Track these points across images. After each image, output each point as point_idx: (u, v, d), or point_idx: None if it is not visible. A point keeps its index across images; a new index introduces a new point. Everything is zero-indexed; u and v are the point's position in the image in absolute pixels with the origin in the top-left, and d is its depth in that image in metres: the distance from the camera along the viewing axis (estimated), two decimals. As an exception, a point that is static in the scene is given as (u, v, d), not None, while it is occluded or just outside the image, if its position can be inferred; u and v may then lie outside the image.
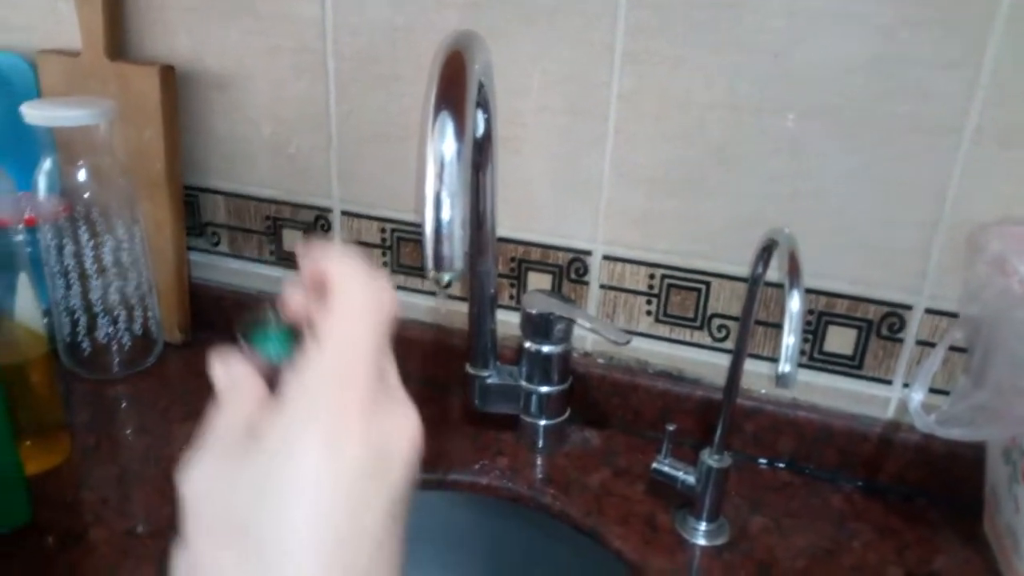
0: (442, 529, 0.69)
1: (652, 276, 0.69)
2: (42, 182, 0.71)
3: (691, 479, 0.61)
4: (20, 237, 0.70)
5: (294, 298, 0.32)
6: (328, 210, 0.77)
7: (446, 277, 0.43)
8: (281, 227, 0.80)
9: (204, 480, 0.27)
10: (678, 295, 0.69)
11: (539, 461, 0.68)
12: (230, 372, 0.30)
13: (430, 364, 0.77)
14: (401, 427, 0.28)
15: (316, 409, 0.26)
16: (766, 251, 0.50)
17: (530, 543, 0.66)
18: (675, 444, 0.62)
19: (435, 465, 0.66)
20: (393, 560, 0.27)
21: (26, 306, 0.67)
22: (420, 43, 0.69)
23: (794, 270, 0.43)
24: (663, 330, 0.70)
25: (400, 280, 0.78)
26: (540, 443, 0.69)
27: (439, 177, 0.42)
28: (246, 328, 0.31)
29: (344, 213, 0.77)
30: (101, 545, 0.56)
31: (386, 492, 0.27)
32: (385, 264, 0.77)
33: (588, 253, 0.70)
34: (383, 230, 0.76)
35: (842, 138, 0.60)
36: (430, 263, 0.43)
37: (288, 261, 0.81)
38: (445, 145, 0.42)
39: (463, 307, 0.75)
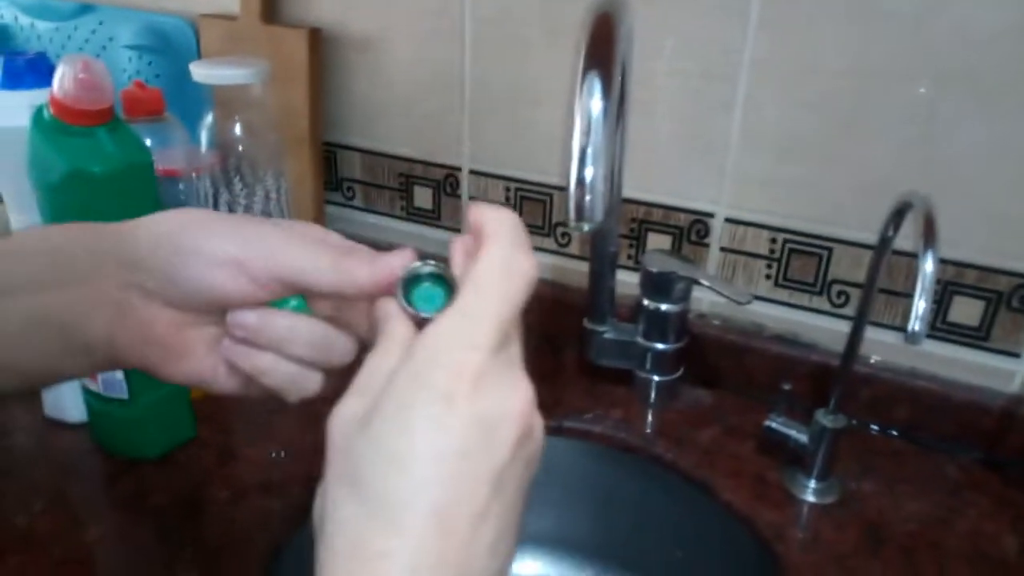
0: (556, 473, 0.72)
1: (774, 240, 0.70)
2: (204, 136, 0.78)
3: (804, 438, 0.62)
4: (182, 186, 0.77)
5: (456, 254, 0.33)
6: (457, 169, 0.81)
7: (586, 227, 0.46)
8: (412, 184, 0.85)
9: (342, 425, 0.28)
10: (799, 260, 0.69)
11: (651, 415, 0.70)
12: (386, 320, 0.32)
13: (549, 319, 0.80)
14: (511, 400, 0.28)
15: (433, 369, 0.27)
16: (899, 214, 0.51)
17: (640, 492, 0.68)
18: (786, 406, 0.64)
19: (550, 413, 0.70)
20: (501, 529, 0.27)
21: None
22: (554, 10, 0.71)
23: (930, 231, 0.43)
24: (782, 294, 0.71)
25: (522, 237, 0.81)
26: (653, 398, 0.71)
27: (585, 133, 0.45)
28: (404, 279, 0.33)
29: (472, 172, 0.81)
30: (253, 462, 0.62)
31: (487, 466, 0.27)
32: (508, 222, 0.81)
33: (710, 215, 0.72)
34: (507, 189, 0.80)
35: (980, 106, 0.59)
36: (572, 213, 0.45)
37: (418, 216, 0.86)
38: (593, 103, 0.45)
39: (582, 266, 0.78)
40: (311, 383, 0.36)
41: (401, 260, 0.34)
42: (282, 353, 0.35)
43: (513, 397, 0.28)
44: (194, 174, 0.74)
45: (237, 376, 0.36)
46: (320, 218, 0.87)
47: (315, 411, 0.33)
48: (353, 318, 0.37)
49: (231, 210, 0.79)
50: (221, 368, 0.36)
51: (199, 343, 0.36)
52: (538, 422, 0.30)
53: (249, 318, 0.35)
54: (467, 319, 0.28)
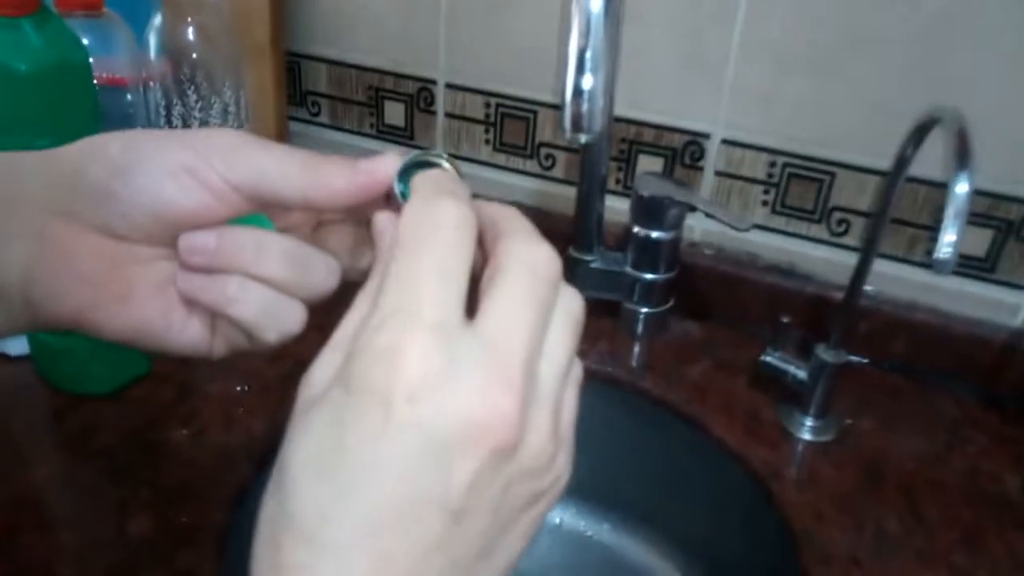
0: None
1: (772, 164, 0.65)
2: (152, 40, 0.70)
3: (802, 373, 0.59)
4: (129, 96, 0.70)
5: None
6: (432, 82, 0.75)
7: (583, 138, 0.41)
8: (383, 98, 0.78)
9: (305, 390, 0.24)
10: (799, 185, 0.65)
11: (639, 348, 0.67)
12: (382, 239, 0.27)
13: (530, 246, 0.76)
14: (476, 406, 0.22)
15: (395, 341, 0.22)
16: (921, 131, 0.46)
17: (627, 427, 0.65)
18: (781, 340, 0.60)
19: (534, 345, 0.66)
20: (466, 568, 0.23)
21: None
22: (541, -100, 0.64)
23: (964, 149, 0.39)
24: (778, 222, 0.67)
25: (502, 159, 0.76)
26: (640, 331, 0.68)
27: (584, 35, 0.39)
28: (405, 166, 0.28)
29: (449, 86, 0.75)
30: (215, 398, 0.58)
31: (438, 489, 0.22)
32: (487, 142, 0.75)
33: (706, 136, 0.67)
34: (487, 105, 0.74)
35: (1007, 18, 0.54)
36: (568, 123, 0.41)
37: (389, 134, 0.80)
38: (592, 0, 0.39)
39: (567, 190, 0.73)
40: (291, 314, 0.30)
41: (387, 164, 0.28)
42: (251, 275, 0.29)
43: (477, 403, 0.22)
44: (142, 84, 0.67)
45: (196, 322, 0.31)
46: (283, 135, 0.81)
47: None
48: (330, 246, 0.32)
49: (186, 124, 0.72)
50: (175, 314, 0.30)
51: (143, 283, 0.30)
52: (537, 438, 0.24)
53: (206, 238, 0.29)
54: (496, 325, 0.23)
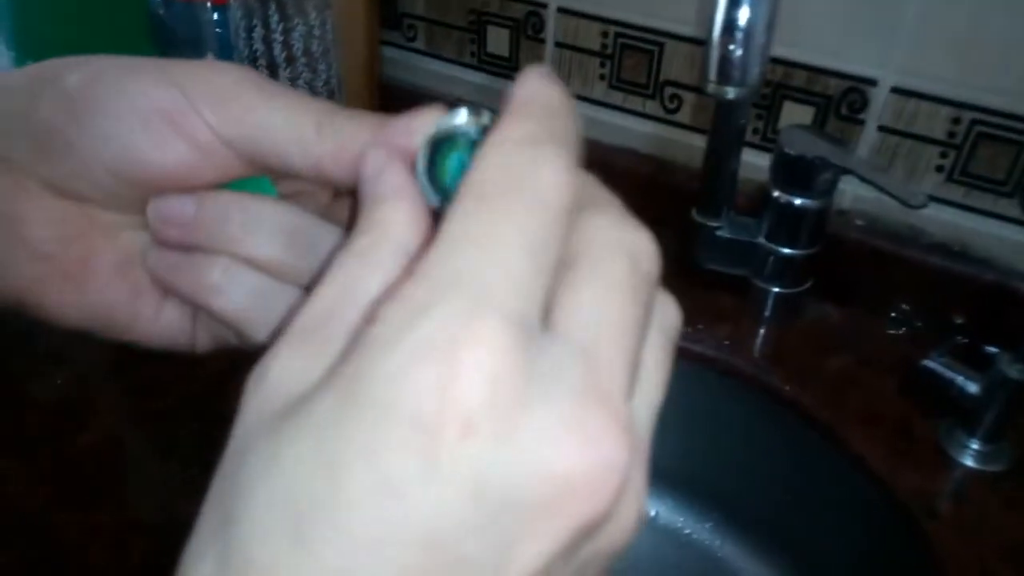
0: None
1: (957, 121, 0.52)
2: (230, -50, 0.63)
3: (973, 387, 0.48)
4: (208, 16, 0.63)
5: (522, 82, 0.19)
6: (543, 5, 0.65)
7: (731, 93, 0.31)
8: (486, 24, 0.69)
9: (259, 401, 0.17)
10: (988, 148, 0.52)
11: (767, 335, 0.57)
12: (375, 190, 0.19)
13: (644, 205, 0.65)
14: (560, 455, 0.14)
15: (412, 370, 0.14)
16: None
17: (745, 427, 0.56)
18: (950, 340, 0.49)
19: (641, 321, 0.57)
20: None
21: (213, 92, 0.62)
22: None
23: None
24: (954, 192, 0.55)
25: (618, 99, 0.65)
26: (770, 314, 0.57)
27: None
28: (432, 139, 0.20)
29: (561, 10, 0.64)
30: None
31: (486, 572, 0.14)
32: (602, 77, 0.65)
33: (872, 83, 0.54)
34: (604, 34, 0.63)
35: None
36: (713, 70, 0.31)
37: (491, 65, 0.71)
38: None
39: (695, 139, 0.63)
40: (288, 305, 0.23)
41: (426, 120, 0.20)
42: (240, 256, 0.22)
43: (568, 447, 0.14)
44: (211, 2, 0.60)
45: (172, 309, 0.24)
46: (374, 61, 0.73)
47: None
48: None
49: (267, 48, 0.65)
50: (144, 300, 0.23)
51: (105, 258, 0.23)
52: (632, 506, 0.16)
53: (183, 205, 0.22)
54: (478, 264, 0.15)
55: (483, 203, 0.16)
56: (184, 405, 0.48)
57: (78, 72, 0.21)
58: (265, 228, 0.22)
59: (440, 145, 0.19)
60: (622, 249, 0.17)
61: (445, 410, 0.13)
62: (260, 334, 0.23)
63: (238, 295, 0.23)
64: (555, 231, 0.16)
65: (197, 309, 0.24)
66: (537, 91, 0.18)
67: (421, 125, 0.20)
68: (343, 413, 0.14)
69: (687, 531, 0.63)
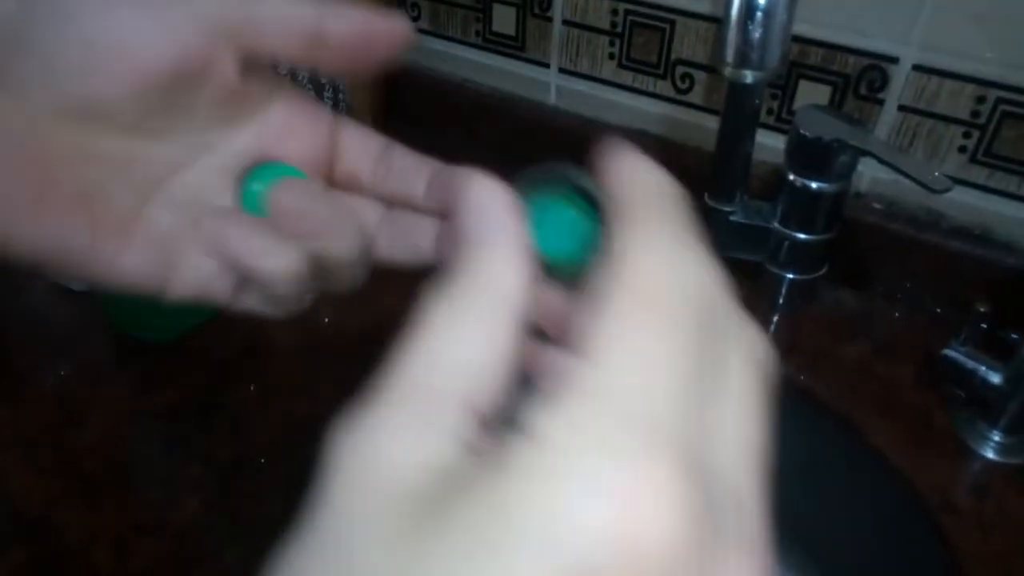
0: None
1: (981, 100, 0.50)
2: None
3: (996, 377, 0.46)
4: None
5: (620, 167, 0.18)
6: (549, -18, 0.63)
7: (749, 76, 0.29)
8: (492, 1, 0.67)
9: (379, 461, 0.14)
10: (1014, 129, 0.50)
11: (781, 322, 0.55)
12: (497, 250, 0.16)
13: (654, 186, 0.64)
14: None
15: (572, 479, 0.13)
16: None
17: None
18: (968, 326, 0.47)
19: (652, 309, 0.56)
20: None
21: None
22: None
23: None
24: (977, 174, 0.53)
25: (628, 78, 0.63)
26: (783, 299, 0.56)
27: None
28: (529, 190, 0.18)
29: (569, -13, 0.62)
30: (281, 355, 0.51)
31: None
32: (612, 56, 0.63)
33: (893, 60, 0.52)
34: (614, 11, 0.61)
35: None
36: (731, 52, 0.29)
37: (497, 44, 0.69)
38: None
39: (707, 120, 0.61)
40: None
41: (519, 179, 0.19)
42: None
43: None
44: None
45: (137, 254, 0.23)
46: (377, 43, 0.71)
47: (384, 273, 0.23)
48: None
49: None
50: (104, 237, 0.22)
51: (63, 189, 0.21)
52: None
53: (303, 199, 0.23)
54: (626, 383, 0.14)
55: (648, 313, 0.14)
56: (186, 402, 0.47)
57: None
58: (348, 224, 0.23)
59: (539, 199, 0.18)
60: (756, 363, 0.16)
61: (618, 564, 0.12)
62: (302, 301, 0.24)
63: (292, 260, 0.22)
64: (716, 349, 0.15)
65: (174, 252, 0.23)
66: (652, 179, 0.18)
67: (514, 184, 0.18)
68: (500, 541, 0.12)
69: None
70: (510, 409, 0.15)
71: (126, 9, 0.20)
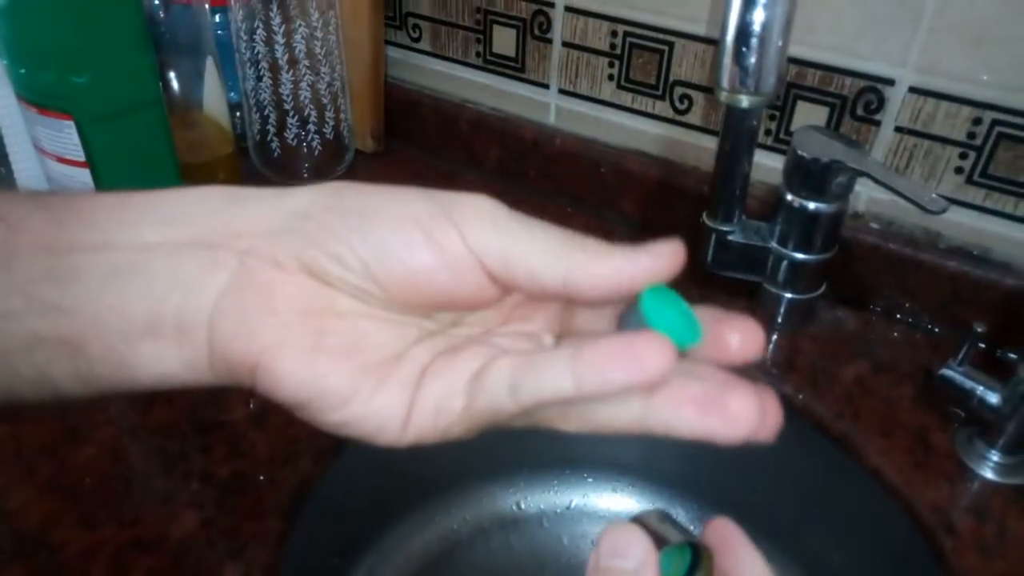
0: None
1: (977, 121, 0.51)
2: (231, -49, 0.62)
3: (994, 397, 0.46)
4: (209, 19, 0.62)
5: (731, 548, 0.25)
6: (550, 4, 0.63)
7: (744, 101, 0.30)
8: (492, 23, 0.67)
9: None
10: (1010, 151, 0.51)
11: (779, 342, 0.55)
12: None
13: (652, 206, 0.65)
14: None
15: None
16: None
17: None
18: (967, 346, 0.48)
19: (651, 328, 0.56)
20: None
21: (214, 97, 0.61)
22: None
23: None
24: (974, 195, 0.53)
25: (627, 99, 0.64)
26: (781, 319, 0.56)
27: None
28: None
29: (568, 9, 0.63)
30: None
31: None
32: (611, 78, 0.64)
33: (889, 82, 0.53)
34: (614, 33, 0.62)
35: None
36: (726, 78, 0.29)
37: (497, 65, 0.69)
38: None
39: (704, 140, 0.61)
40: None
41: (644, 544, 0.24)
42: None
43: None
44: (208, 4, 0.59)
45: (386, 395, 0.24)
46: (379, 62, 0.72)
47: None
48: None
49: (269, 49, 0.64)
50: (364, 383, 0.24)
51: (338, 338, 0.24)
52: None
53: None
54: None
55: None
56: (185, 418, 0.48)
57: (352, 189, 0.24)
58: None
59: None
60: None
61: None
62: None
63: None
64: None
65: (420, 396, 0.24)
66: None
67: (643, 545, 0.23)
68: None
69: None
70: None
71: (414, 232, 0.23)
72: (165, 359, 0.24)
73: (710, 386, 0.21)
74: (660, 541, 0.24)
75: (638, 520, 0.25)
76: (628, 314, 0.24)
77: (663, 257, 0.22)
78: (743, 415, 0.21)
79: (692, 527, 0.62)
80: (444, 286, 0.23)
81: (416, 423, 0.24)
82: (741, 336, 0.23)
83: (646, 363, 0.20)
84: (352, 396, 0.24)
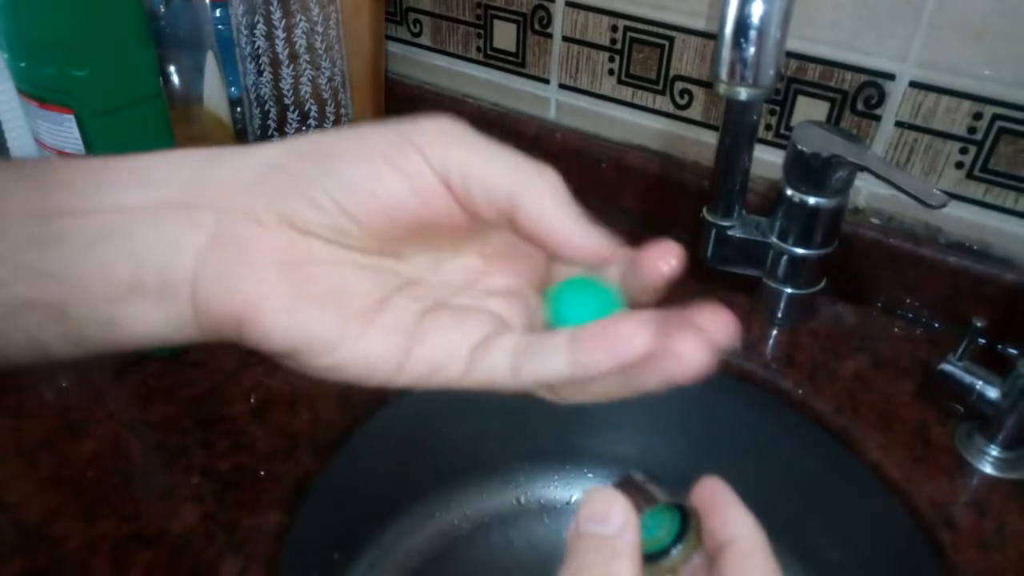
0: (649, 397, 0.59)
1: (978, 116, 0.51)
2: (231, -55, 0.62)
3: (993, 392, 0.46)
4: (209, 13, 0.62)
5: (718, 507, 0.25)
6: (550, -1, 0.63)
7: (743, 94, 0.30)
8: (492, 18, 0.67)
9: None
10: (1011, 145, 0.51)
11: (779, 337, 0.55)
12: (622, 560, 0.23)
13: (652, 201, 0.65)
14: None
15: None
16: None
17: (756, 433, 0.55)
18: (967, 342, 0.48)
19: (651, 323, 0.56)
20: None
21: (214, 91, 0.61)
22: None
23: None
24: (975, 189, 0.53)
25: (627, 94, 0.64)
26: (781, 314, 0.56)
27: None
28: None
29: (569, 3, 0.63)
30: (280, 370, 0.51)
31: None
32: (611, 72, 0.63)
33: (889, 77, 0.53)
34: (614, 28, 0.62)
35: None
36: (724, 70, 0.29)
37: (498, 60, 0.69)
38: None
39: (705, 135, 0.61)
40: None
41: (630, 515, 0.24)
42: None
43: None
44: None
45: (376, 337, 0.25)
46: (380, 59, 0.72)
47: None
48: None
49: (270, 44, 0.64)
50: (351, 326, 0.24)
51: (319, 286, 0.24)
52: None
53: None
54: None
55: None
56: (186, 413, 0.48)
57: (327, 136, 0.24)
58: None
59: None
60: None
61: None
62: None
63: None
64: None
65: (416, 341, 0.25)
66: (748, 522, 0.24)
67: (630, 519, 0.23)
68: None
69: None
70: None
71: (380, 163, 0.23)
72: (151, 319, 0.24)
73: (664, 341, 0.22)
74: (647, 502, 0.24)
75: (624, 481, 0.25)
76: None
77: (601, 246, 0.24)
78: (695, 355, 0.22)
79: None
80: (416, 213, 0.24)
81: (412, 371, 0.25)
82: (660, 253, 0.25)
83: (634, 344, 0.22)
84: (339, 341, 0.24)
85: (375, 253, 0.25)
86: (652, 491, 0.24)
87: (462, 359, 0.25)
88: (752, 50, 0.28)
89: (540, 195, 0.23)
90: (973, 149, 0.52)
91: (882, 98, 0.53)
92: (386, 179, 0.23)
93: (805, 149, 0.50)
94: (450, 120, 0.24)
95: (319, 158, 0.24)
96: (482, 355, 0.25)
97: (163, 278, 0.24)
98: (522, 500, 0.62)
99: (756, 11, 0.28)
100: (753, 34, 0.28)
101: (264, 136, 0.68)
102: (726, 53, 0.28)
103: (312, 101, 0.67)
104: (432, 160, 0.23)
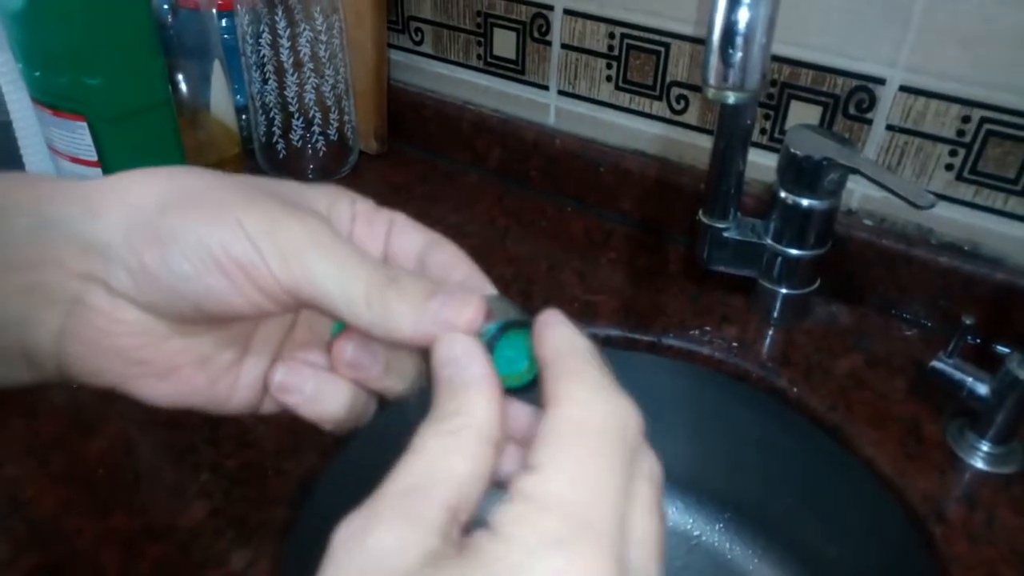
0: (649, 397, 0.60)
1: (966, 119, 0.52)
2: (237, -44, 0.63)
3: (983, 388, 0.47)
4: (215, 23, 0.64)
5: (552, 331, 0.23)
6: (549, 7, 0.65)
7: (731, 98, 0.31)
8: (493, 26, 0.69)
9: (368, 557, 0.19)
10: (999, 147, 0.52)
11: (774, 337, 0.56)
12: (456, 378, 0.22)
13: (650, 205, 0.66)
14: None
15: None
16: None
17: (752, 431, 0.56)
18: (957, 339, 0.49)
19: (648, 325, 0.57)
20: None
21: (221, 99, 0.62)
22: None
23: None
24: (964, 191, 0.54)
25: (624, 100, 0.65)
26: (776, 314, 0.57)
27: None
28: (497, 331, 0.23)
29: (567, 12, 0.64)
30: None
31: None
32: (609, 79, 0.65)
33: (880, 81, 0.54)
34: (611, 35, 0.63)
35: None
36: (712, 75, 0.31)
37: (498, 67, 0.71)
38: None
39: (700, 139, 0.63)
40: (369, 408, 0.30)
41: (467, 317, 0.23)
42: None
43: None
44: (216, 8, 0.60)
45: (241, 392, 0.29)
46: (382, 66, 0.73)
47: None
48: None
49: (275, 53, 0.65)
50: (220, 386, 0.28)
51: (187, 358, 0.27)
52: None
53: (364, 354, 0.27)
54: (572, 501, 0.19)
55: (584, 439, 0.20)
56: (194, 412, 0.49)
57: (154, 200, 0.24)
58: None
59: (505, 336, 0.23)
60: (611, 419, 0.21)
61: None
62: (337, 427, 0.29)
63: (335, 405, 0.28)
64: (631, 466, 0.20)
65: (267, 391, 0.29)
66: (577, 338, 0.23)
67: (469, 316, 0.23)
68: None
69: (696, 533, 0.63)
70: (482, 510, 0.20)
71: (226, 282, 0.24)
72: (22, 378, 0.26)
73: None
74: (489, 319, 0.24)
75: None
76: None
77: (457, 323, 0.23)
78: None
79: (690, 521, 0.63)
80: (263, 312, 0.25)
81: (269, 405, 0.30)
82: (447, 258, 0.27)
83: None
84: (213, 399, 0.28)
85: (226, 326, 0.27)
86: (504, 310, 0.24)
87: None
88: (739, 55, 0.29)
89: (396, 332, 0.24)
90: (962, 151, 0.53)
91: (873, 102, 0.55)
92: (243, 291, 0.24)
93: (798, 152, 0.51)
94: (301, 226, 0.24)
95: (172, 258, 0.24)
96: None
97: (26, 351, 0.25)
98: (523, 499, 0.63)
99: (742, 18, 0.29)
100: (739, 40, 0.29)
101: (269, 142, 0.69)
102: (714, 59, 0.30)
103: (316, 108, 0.68)
104: (281, 279, 0.24)
